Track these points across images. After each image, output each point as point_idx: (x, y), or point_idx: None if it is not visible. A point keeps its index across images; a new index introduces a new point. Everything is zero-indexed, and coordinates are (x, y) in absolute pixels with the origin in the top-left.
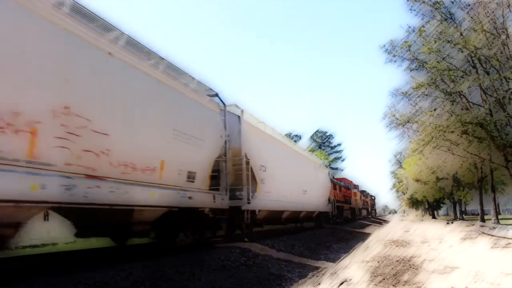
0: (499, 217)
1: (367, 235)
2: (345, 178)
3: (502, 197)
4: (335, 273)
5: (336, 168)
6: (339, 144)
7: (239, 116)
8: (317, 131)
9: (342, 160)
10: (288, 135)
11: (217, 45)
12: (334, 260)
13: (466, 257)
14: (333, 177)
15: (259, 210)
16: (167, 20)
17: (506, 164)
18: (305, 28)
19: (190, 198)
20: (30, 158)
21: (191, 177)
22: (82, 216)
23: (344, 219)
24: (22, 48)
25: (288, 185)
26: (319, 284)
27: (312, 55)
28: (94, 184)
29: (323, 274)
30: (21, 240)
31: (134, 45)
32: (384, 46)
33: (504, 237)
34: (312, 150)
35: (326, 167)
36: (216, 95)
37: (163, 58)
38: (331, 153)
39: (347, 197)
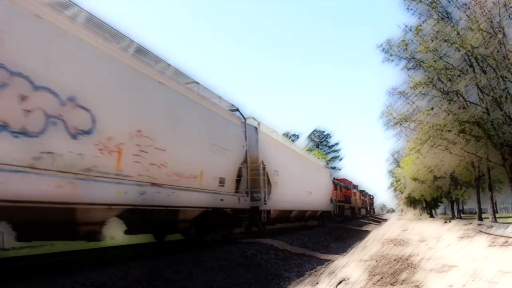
0: (497, 215)
1: (367, 232)
2: (345, 179)
3: (500, 195)
4: (333, 272)
5: (334, 168)
6: (336, 144)
7: (256, 128)
8: (314, 130)
9: (340, 160)
10: (286, 135)
11: (215, 45)
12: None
13: (463, 256)
14: (334, 178)
15: (273, 210)
16: (167, 20)
17: (503, 163)
18: (303, 27)
19: (221, 200)
20: (118, 172)
21: (221, 182)
22: (146, 215)
23: (345, 217)
24: (115, 89)
25: (296, 187)
26: (317, 283)
27: (309, 54)
28: (157, 190)
29: (321, 273)
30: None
31: (178, 74)
32: (381, 45)
33: (502, 236)
34: (309, 150)
35: (328, 168)
36: (237, 109)
37: (198, 83)
38: (328, 153)
39: (347, 197)
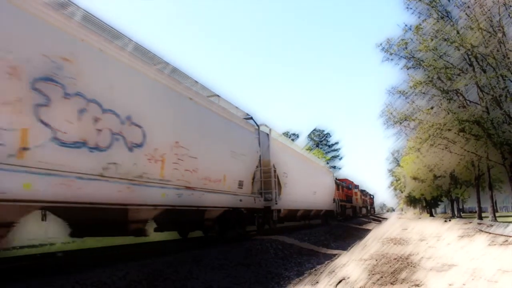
0: (497, 214)
1: (368, 231)
2: (347, 179)
3: (500, 194)
4: (333, 271)
5: (334, 167)
6: (336, 143)
7: (267, 134)
8: (314, 129)
9: (340, 159)
10: (286, 134)
11: (216, 44)
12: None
13: (463, 255)
14: (336, 178)
15: (283, 209)
16: (167, 21)
17: (503, 162)
18: (303, 27)
19: (240, 200)
20: (161, 177)
21: (240, 184)
22: (180, 214)
23: (347, 216)
24: (158, 106)
25: (303, 188)
26: (317, 282)
27: (310, 53)
28: (191, 193)
29: (321, 272)
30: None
31: (203, 89)
32: (381, 44)
33: (502, 235)
34: (309, 149)
35: (331, 169)
36: (251, 118)
37: (219, 96)
38: (328, 152)
39: (349, 197)
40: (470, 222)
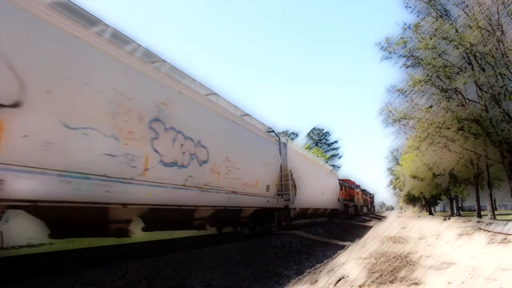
0: (496, 212)
1: (369, 228)
2: (349, 179)
3: (499, 193)
4: (333, 269)
5: (333, 166)
6: (335, 142)
7: (285, 144)
8: (314, 128)
9: (339, 158)
10: (285, 133)
11: (217, 42)
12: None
13: (462, 253)
14: (340, 179)
15: (298, 208)
16: (165, 17)
17: (502, 160)
18: (303, 25)
19: (268, 201)
20: (218, 185)
21: (267, 188)
22: (225, 213)
23: (349, 215)
24: (215, 131)
25: (313, 189)
26: (316, 281)
27: (309, 52)
28: (235, 196)
29: (320, 271)
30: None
31: (236, 109)
32: (380, 43)
33: (501, 233)
34: (309, 148)
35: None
36: (273, 131)
37: (250, 115)
38: (328, 150)
39: (351, 196)
40: (469, 220)
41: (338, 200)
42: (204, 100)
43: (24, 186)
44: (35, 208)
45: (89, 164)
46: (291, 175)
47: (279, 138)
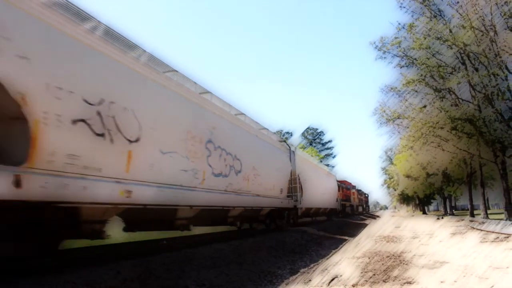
0: (488, 212)
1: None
2: (346, 181)
3: (491, 192)
4: (326, 269)
5: (327, 165)
6: (330, 141)
7: (293, 151)
8: (308, 128)
9: (333, 157)
10: (280, 132)
11: (212, 40)
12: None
13: (455, 252)
14: (337, 181)
15: (304, 208)
16: (160, 17)
17: (495, 159)
18: (297, 25)
19: (281, 202)
20: (247, 189)
21: (281, 191)
22: (250, 212)
23: (346, 213)
24: (246, 145)
25: (315, 190)
26: (310, 280)
27: (304, 51)
28: (258, 198)
29: (313, 270)
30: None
31: (255, 123)
32: (374, 43)
33: (493, 232)
34: (303, 147)
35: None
36: (284, 141)
37: (267, 129)
38: (322, 150)
39: (348, 196)
40: (462, 220)
41: (337, 200)
42: (236, 120)
43: (142, 195)
44: (136, 210)
45: (173, 178)
46: (299, 179)
47: (289, 147)
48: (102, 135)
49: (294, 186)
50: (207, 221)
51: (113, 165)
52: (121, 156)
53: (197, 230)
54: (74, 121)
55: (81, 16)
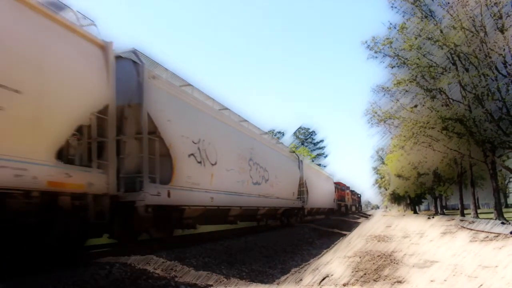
0: (478, 211)
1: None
2: (341, 182)
3: (481, 191)
4: (317, 268)
5: (319, 165)
6: (321, 141)
7: (302, 161)
8: (300, 128)
9: (325, 157)
10: (271, 132)
11: (201, 39)
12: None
13: (445, 251)
14: (334, 182)
15: (309, 208)
16: (155, 16)
17: (485, 159)
18: (288, 24)
19: (293, 203)
20: (273, 193)
21: (293, 194)
22: (271, 210)
23: (341, 213)
24: (273, 162)
25: (318, 192)
26: (301, 280)
27: (295, 51)
28: (278, 200)
29: (304, 270)
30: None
31: (272, 137)
32: (366, 42)
33: (483, 231)
34: (295, 147)
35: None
36: (294, 151)
37: (282, 143)
38: (313, 150)
39: (342, 197)
40: (453, 219)
41: (334, 200)
42: (263, 140)
43: (217, 200)
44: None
45: (232, 187)
46: (305, 183)
47: (298, 157)
48: (200, 162)
49: (302, 189)
50: (246, 218)
51: (204, 180)
52: (208, 175)
53: (242, 224)
54: (189, 155)
55: (185, 83)
